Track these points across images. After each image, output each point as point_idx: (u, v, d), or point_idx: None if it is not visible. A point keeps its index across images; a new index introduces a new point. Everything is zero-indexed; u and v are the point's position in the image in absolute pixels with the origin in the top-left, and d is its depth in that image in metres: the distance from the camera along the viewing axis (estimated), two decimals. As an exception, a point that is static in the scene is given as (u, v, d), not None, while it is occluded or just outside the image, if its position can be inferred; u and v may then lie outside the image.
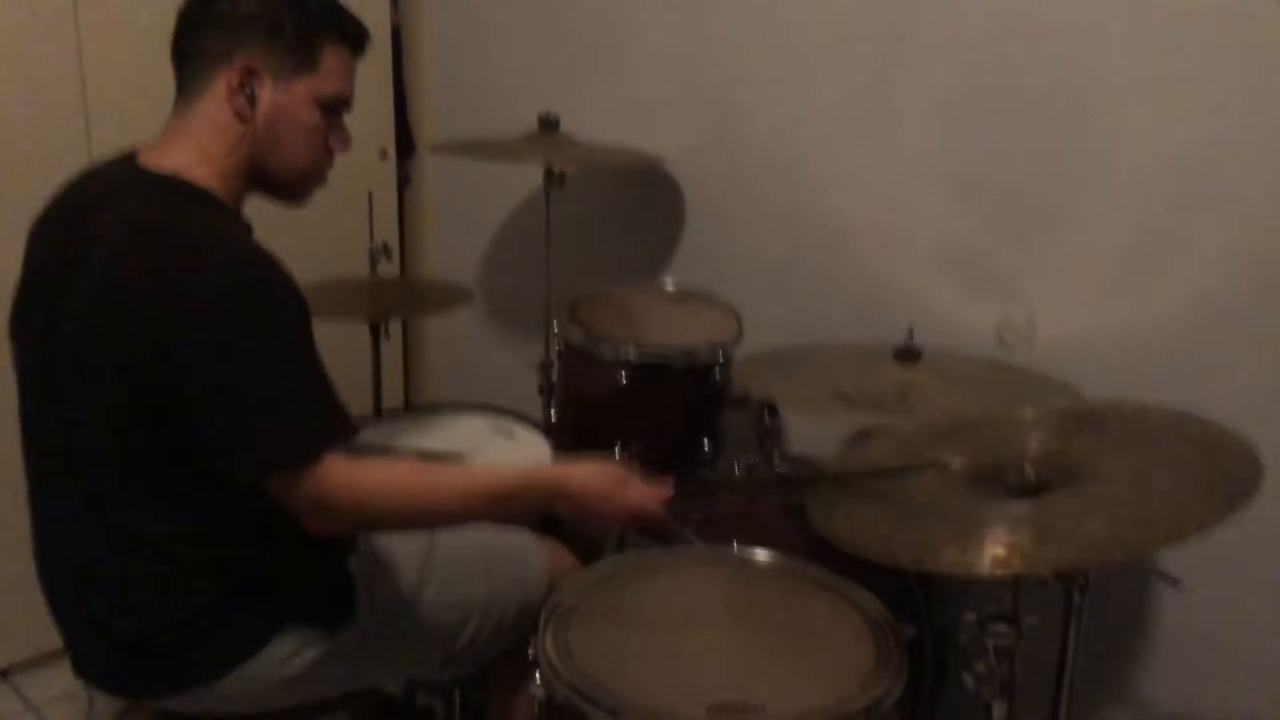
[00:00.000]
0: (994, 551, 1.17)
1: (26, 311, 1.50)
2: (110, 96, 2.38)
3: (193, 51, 1.46)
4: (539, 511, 1.54)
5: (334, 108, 1.52)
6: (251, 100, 1.45)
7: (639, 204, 2.52)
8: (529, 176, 2.54)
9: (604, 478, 1.50)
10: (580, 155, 2.35)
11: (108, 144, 2.39)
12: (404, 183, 3.04)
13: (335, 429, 1.39)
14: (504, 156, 2.32)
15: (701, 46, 2.32)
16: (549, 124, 2.32)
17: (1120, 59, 1.76)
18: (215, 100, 1.45)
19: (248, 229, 1.47)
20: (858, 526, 1.30)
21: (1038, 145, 1.86)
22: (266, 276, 1.37)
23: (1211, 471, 1.25)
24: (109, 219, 1.41)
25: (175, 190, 1.42)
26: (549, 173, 2.34)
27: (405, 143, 2.99)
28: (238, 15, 1.45)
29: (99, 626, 1.48)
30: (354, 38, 1.53)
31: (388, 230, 2.90)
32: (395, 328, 2.79)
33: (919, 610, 1.85)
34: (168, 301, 1.33)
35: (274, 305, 1.36)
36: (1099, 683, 1.91)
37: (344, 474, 1.36)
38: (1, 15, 2.24)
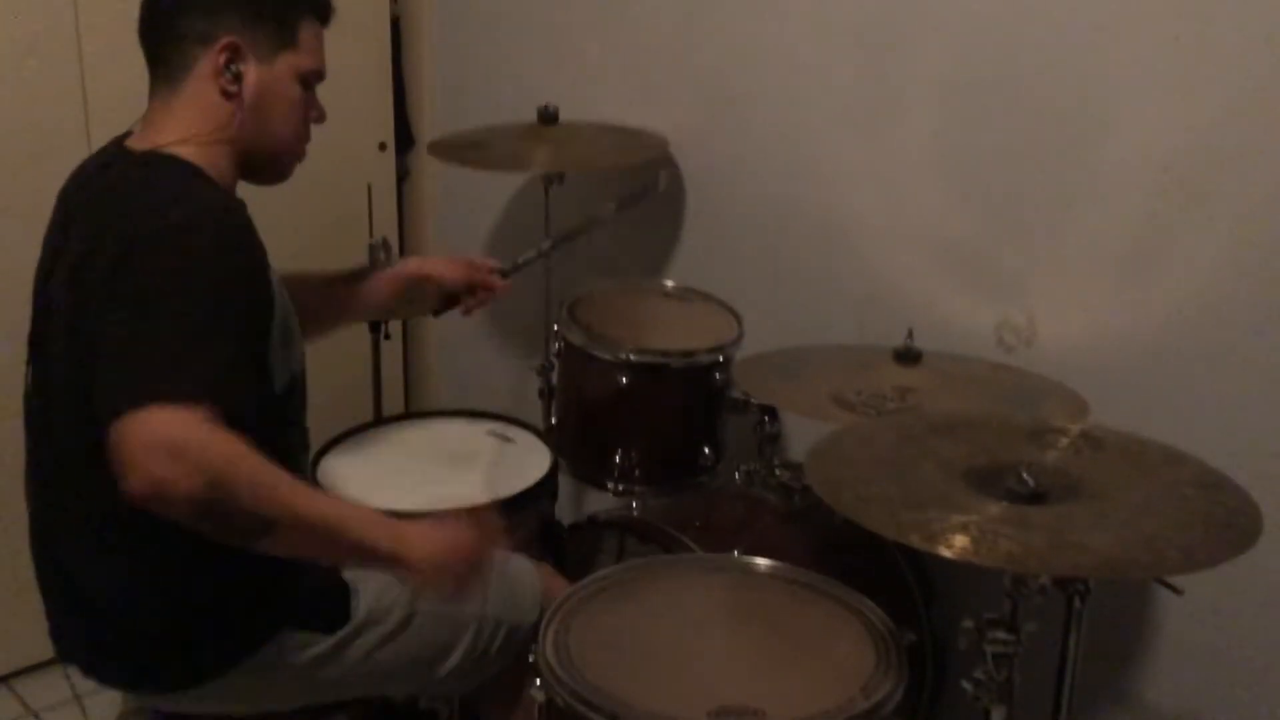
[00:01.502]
0: (1008, 548, 1.17)
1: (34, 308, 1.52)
2: (110, 96, 2.37)
3: (170, 34, 1.47)
4: (365, 563, 1.47)
5: (311, 82, 1.55)
6: (237, 78, 1.46)
7: (637, 206, 2.51)
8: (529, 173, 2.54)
9: (441, 536, 1.40)
10: (579, 154, 2.34)
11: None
12: (403, 177, 3.03)
13: (193, 382, 1.25)
14: (503, 164, 2.31)
15: (702, 42, 2.32)
16: (548, 117, 2.32)
17: (1121, 59, 1.75)
18: (200, 81, 1.46)
19: (241, 205, 1.46)
20: (865, 498, 1.28)
21: (1039, 145, 1.86)
22: (214, 232, 1.34)
23: (1215, 509, 1.25)
24: (91, 196, 1.44)
25: (159, 161, 1.43)
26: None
27: (404, 137, 2.99)
28: None
29: (96, 622, 1.49)
30: (325, 10, 1.56)
31: (387, 226, 2.90)
32: (395, 327, 2.79)
33: (919, 616, 1.85)
34: (116, 240, 1.32)
35: (207, 255, 1.33)
36: (1098, 689, 1.92)
37: (181, 429, 1.22)
38: (1, 15, 2.24)
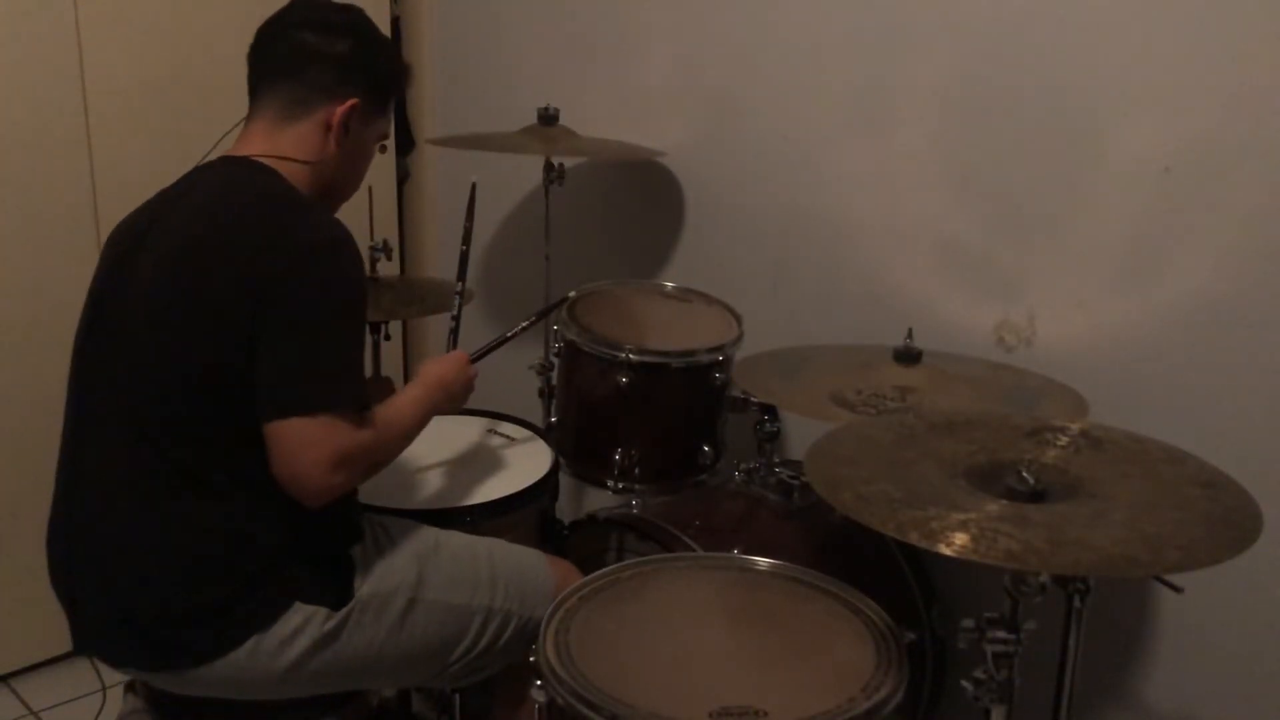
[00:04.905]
0: (1008, 546, 1.17)
1: (87, 305, 1.60)
2: (110, 96, 2.38)
3: (298, 76, 1.61)
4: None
5: (379, 143, 1.75)
6: (347, 132, 1.63)
7: (638, 204, 2.52)
8: (528, 174, 2.55)
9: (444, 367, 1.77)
10: (578, 147, 2.35)
11: (108, 145, 2.40)
12: (403, 179, 3.03)
13: (356, 393, 1.51)
14: (503, 148, 2.32)
15: (702, 43, 2.32)
16: (548, 118, 2.32)
17: (1120, 58, 1.75)
18: (313, 126, 1.61)
19: None
20: (865, 496, 1.28)
21: (1038, 145, 1.86)
22: (353, 249, 1.53)
23: (1214, 508, 1.25)
24: (194, 190, 1.58)
25: (260, 166, 1.58)
26: (548, 166, 2.34)
27: (405, 138, 2.99)
28: (349, 59, 1.62)
29: (119, 600, 1.51)
30: (409, 84, 1.78)
31: (387, 226, 2.91)
32: (394, 328, 2.79)
33: (919, 615, 1.85)
34: (263, 244, 1.47)
35: (352, 272, 1.53)
36: (1099, 688, 1.92)
37: (349, 438, 1.48)
38: (0, 14, 2.24)
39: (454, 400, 1.77)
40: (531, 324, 2.04)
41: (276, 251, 1.47)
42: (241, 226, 1.51)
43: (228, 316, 1.46)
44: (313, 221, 1.53)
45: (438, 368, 1.75)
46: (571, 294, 2.07)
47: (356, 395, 1.51)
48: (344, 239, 1.53)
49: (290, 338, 1.47)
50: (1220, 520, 1.23)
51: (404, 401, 1.65)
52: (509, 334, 1.99)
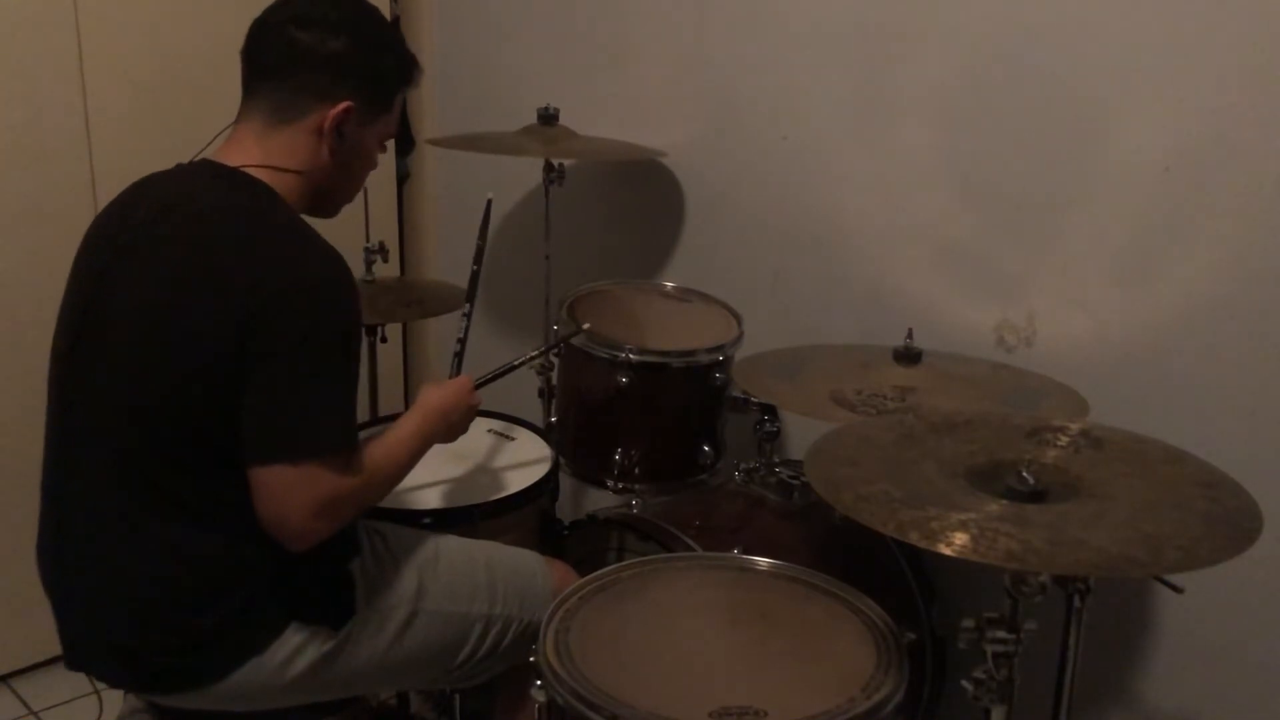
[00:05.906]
0: (1008, 546, 1.16)
1: (70, 312, 1.54)
2: (110, 96, 2.37)
3: (289, 78, 1.52)
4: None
5: (386, 142, 1.66)
6: (341, 136, 1.54)
7: (638, 204, 2.52)
8: (529, 173, 2.54)
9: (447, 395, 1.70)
10: (579, 148, 2.35)
11: (108, 144, 2.40)
12: (403, 179, 3.03)
13: (342, 439, 1.45)
14: (502, 148, 2.32)
15: (702, 43, 2.32)
16: (548, 118, 2.32)
17: (1120, 59, 1.75)
18: (304, 131, 1.53)
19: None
20: (865, 496, 1.28)
21: (1038, 145, 1.86)
22: (347, 285, 1.47)
23: (1214, 508, 1.25)
24: (180, 205, 1.48)
25: (251, 182, 1.50)
26: (548, 166, 2.34)
27: (405, 138, 2.99)
28: (344, 58, 1.53)
29: (109, 627, 1.49)
30: (417, 80, 1.66)
31: (387, 226, 2.90)
32: (393, 330, 2.79)
33: (919, 615, 1.85)
34: (254, 279, 1.40)
35: (344, 310, 1.46)
36: (1099, 688, 1.92)
37: (332, 486, 1.43)
38: (0, 13, 2.24)
39: (453, 430, 1.70)
40: (542, 354, 2.00)
41: (267, 287, 1.40)
42: (233, 257, 1.43)
43: (216, 351, 1.40)
44: (307, 255, 1.45)
45: (439, 395, 1.68)
46: (586, 325, 1.99)
47: (344, 440, 1.45)
48: (337, 276, 1.46)
49: (277, 378, 1.41)
50: (1220, 520, 1.23)
51: (398, 438, 1.58)
52: (516, 362, 1.90)
